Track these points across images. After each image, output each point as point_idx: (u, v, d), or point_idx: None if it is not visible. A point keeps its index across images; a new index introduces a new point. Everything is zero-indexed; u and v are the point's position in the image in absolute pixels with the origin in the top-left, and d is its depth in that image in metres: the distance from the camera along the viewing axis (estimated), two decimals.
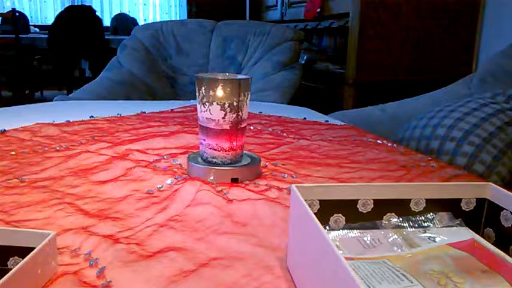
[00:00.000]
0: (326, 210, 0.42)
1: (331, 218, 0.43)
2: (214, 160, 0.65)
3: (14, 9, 3.72)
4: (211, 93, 0.62)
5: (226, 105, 0.62)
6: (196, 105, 0.65)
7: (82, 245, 0.45)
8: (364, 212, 0.43)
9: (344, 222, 0.43)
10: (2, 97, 4.11)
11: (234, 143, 0.65)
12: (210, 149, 0.65)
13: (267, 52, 2.12)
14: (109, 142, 0.84)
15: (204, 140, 0.65)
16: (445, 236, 0.41)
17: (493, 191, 0.43)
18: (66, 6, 4.20)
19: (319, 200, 0.42)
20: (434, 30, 1.96)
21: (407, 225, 0.43)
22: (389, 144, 0.90)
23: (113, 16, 4.86)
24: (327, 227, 0.43)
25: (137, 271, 0.41)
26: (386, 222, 0.43)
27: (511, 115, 1.00)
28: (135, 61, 2.08)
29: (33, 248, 0.36)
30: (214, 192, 0.59)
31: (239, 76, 0.65)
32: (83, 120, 1.03)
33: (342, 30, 2.28)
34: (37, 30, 4.50)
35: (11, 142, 0.83)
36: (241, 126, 0.65)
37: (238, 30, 2.23)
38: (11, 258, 0.38)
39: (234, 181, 0.63)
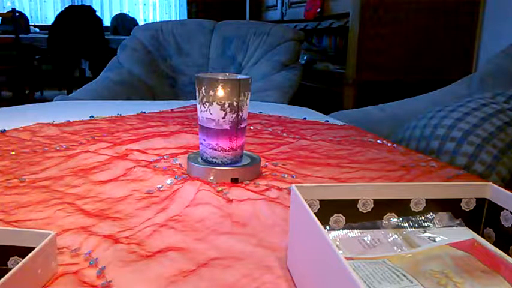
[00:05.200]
0: (326, 210, 0.42)
1: (331, 218, 0.43)
2: (214, 160, 0.65)
3: (14, 9, 3.72)
4: (211, 93, 0.62)
5: (226, 105, 0.62)
6: (196, 105, 0.65)
7: (82, 245, 0.45)
8: (364, 212, 0.43)
9: (344, 222, 0.43)
10: (2, 97, 4.10)
11: (234, 143, 0.65)
12: (210, 149, 0.65)
13: (267, 52, 2.12)
14: (109, 142, 0.84)
15: (204, 140, 0.65)
16: (445, 236, 0.41)
17: (493, 191, 0.43)
18: (66, 6, 4.20)
19: (319, 200, 0.42)
20: (434, 30, 1.96)
21: (407, 225, 0.43)
22: (389, 144, 0.90)
23: (113, 16, 4.86)
24: (327, 227, 0.43)
25: (137, 271, 0.41)
26: (387, 222, 0.43)
27: (511, 115, 1.00)
28: (135, 61, 2.08)
29: (33, 248, 0.36)
30: (214, 192, 0.59)
31: (239, 76, 0.65)
32: (82, 120, 1.03)
33: (342, 30, 2.28)
34: (37, 30, 4.50)
35: (11, 142, 0.83)
36: (241, 126, 0.65)
37: (238, 30, 2.22)
38: (11, 258, 0.38)
39: (234, 181, 0.63)
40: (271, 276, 0.41)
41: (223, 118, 0.63)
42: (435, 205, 0.43)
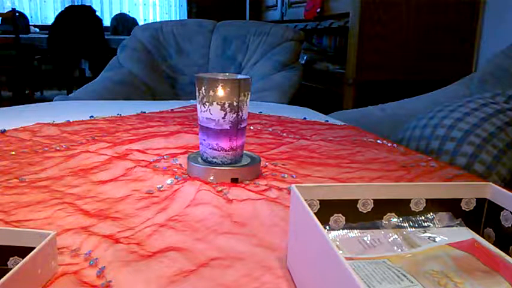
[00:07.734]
0: (326, 210, 0.42)
1: (331, 218, 0.43)
2: (214, 160, 0.65)
3: (14, 9, 3.72)
4: (211, 93, 0.62)
5: (226, 105, 0.62)
6: (196, 105, 0.65)
7: (82, 245, 0.45)
8: (364, 212, 0.43)
9: (344, 222, 0.43)
10: (2, 97, 4.10)
11: (234, 143, 0.65)
12: (210, 149, 0.65)
13: (267, 52, 2.12)
14: (109, 142, 0.83)
15: (204, 140, 0.65)
16: (445, 236, 0.41)
17: (493, 191, 0.43)
18: (66, 6, 4.19)
19: (319, 200, 0.42)
20: (434, 30, 1.96)
21: (407, 225, 0.43)
22: (389, 144, 0.90)
23: (113, 16, 4.86)
24: (327, 227, 0.43)
25: (137, 271, 0.41)
26: (387, 222, 0.43)
27: (511, 115, 1.00)
28: (135, 61, 2.08)
29: (33, 248, 0.36)
30: (214, 192, 0.59)
31: (239, 76, 0.65)
32: (82, 120, 1.03)
33: (342, 30, 2.28)
34: (37, 30, 4.50)
35: (11, 142, 0.83)
36: (241, 126, 0.65)
37: (238, 30, 2.22)
38: (11, 258, 0.38)
39: (234, 181, 0.63)
40: (271, 276, 0.41)
41: (223, 118, 0.63)
42: (435, 205, 0.43)
